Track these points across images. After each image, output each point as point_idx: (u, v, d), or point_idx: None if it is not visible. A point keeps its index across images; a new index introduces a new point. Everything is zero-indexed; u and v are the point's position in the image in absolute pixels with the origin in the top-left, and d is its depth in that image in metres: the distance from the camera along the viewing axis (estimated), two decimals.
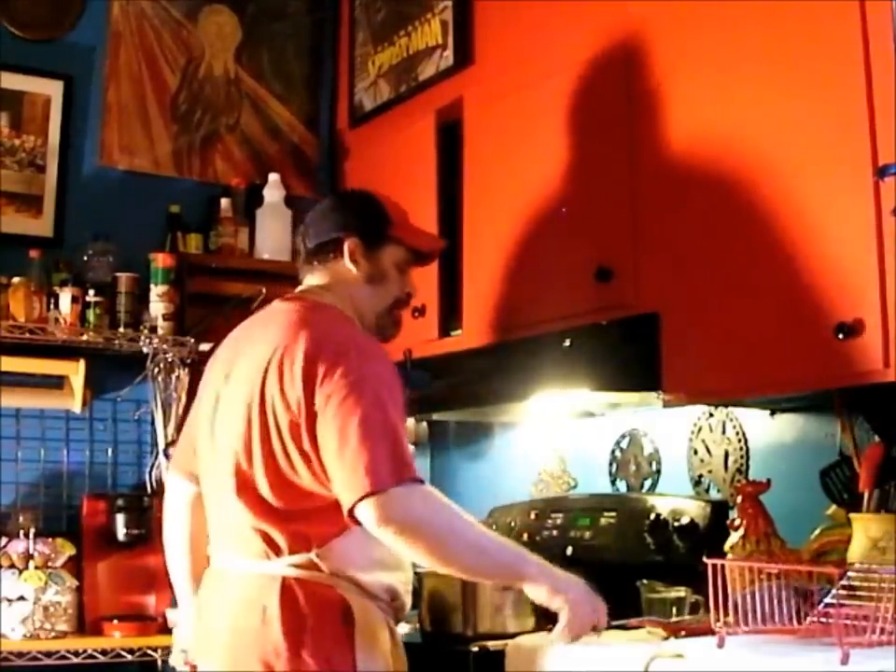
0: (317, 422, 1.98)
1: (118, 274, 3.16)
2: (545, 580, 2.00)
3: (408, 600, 2.15)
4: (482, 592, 2.47)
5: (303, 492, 2.02)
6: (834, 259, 2.08)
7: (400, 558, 2.09)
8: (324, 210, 2.31)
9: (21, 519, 3.04)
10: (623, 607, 2.42)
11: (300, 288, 2.26)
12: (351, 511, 1.93)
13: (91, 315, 3.09)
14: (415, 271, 2.34)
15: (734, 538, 2.24)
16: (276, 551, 2.02)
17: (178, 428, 3.11)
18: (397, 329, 2.28)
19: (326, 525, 2.02)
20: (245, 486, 2.06)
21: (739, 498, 2.27)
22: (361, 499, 1.91)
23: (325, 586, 2.01)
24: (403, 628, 2.50)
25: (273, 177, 3.49)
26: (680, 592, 2.37)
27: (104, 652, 2.94)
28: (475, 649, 2.36)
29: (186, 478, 2.30)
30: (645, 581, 2.46)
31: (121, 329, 3.12)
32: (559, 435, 3.20)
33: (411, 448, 2.15)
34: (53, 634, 2.93)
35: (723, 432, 2.74)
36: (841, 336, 2.01)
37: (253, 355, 2.11)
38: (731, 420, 2.72)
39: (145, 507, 3.12)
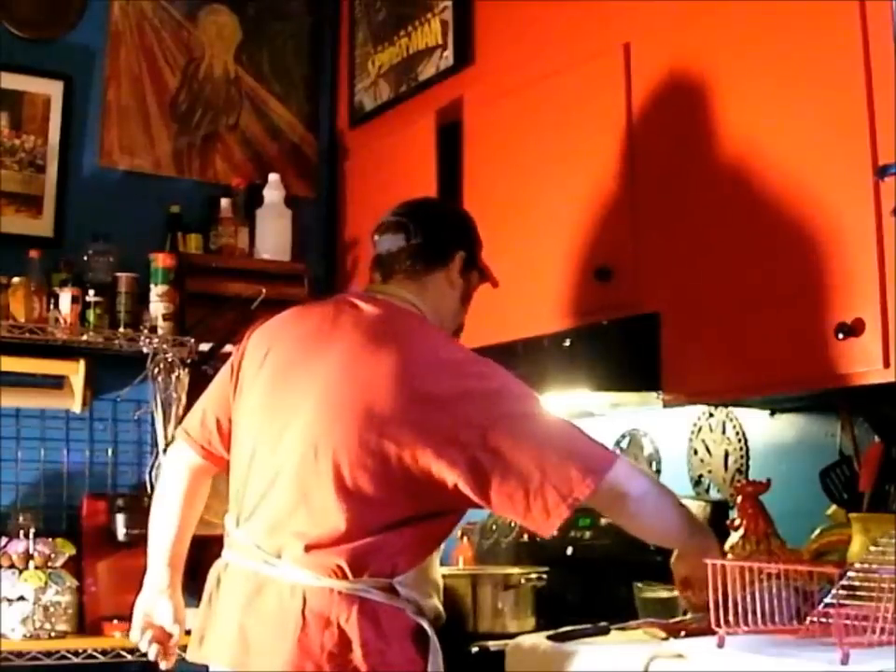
0: (488, 441, 1.85)
1: (118, 274, 3.16)
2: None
3: (439, 613, 2.13)
4: (482, 592, 2.46)
5: (403, 516, 1.92)
6: (834, 259, 2.08)
7: (439, 579, 2.10)
8: (436, 216, 2.24)
9: (21, 519, 3.04)
10: (623, 607, 2.42)
11: (384, 292, 2.13)
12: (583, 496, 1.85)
13: (90, 314, 3.09)
14: None
15: (734, 538, 2.24)
16: (357, 571, 1.92)
17: None
18: None
19: (413, 553, 1.97)
20: (345, 494, 1.91)
21: (739, 498, 2.27)
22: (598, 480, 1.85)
23: (399, 609, 1.96)
24: None
25: (273, 177, 3.49)
26: (674, 591, 2.37)
27: (104, 652, 2.95)
28: (475, 649, 2.36)
29: (196, 450, 2.23)
30: (640, 584, 2.45)
31: (121, 329, 3.12)
32: None
33: None
34: (53, 634, 2.93)
35: (723, 432, 2.74)
36: (841, 336, 2.01)
37: (354, 356, 1.97)
38: (731, 420, 2.72)
39: (145, 507, 3.10)
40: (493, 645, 2.34)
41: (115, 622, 3.01)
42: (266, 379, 2.09)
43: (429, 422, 1.88)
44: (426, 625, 1.99)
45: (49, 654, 2.88)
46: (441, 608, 2.11)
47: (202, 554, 2.32)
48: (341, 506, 1.91)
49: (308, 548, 1.94)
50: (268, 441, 2.03)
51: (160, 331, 3.15)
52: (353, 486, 1.91)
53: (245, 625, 1.97)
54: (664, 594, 2.37)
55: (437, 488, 1.89)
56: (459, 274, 2.17)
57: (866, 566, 1.84)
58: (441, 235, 2.18)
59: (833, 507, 2.26)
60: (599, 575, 2.75)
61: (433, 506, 1.95)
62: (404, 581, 1.97)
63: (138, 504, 3.11)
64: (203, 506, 2.29)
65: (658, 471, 2.92)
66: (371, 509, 1.92)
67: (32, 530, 2.99)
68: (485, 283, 2.30)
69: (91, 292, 3.09)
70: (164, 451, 3.12)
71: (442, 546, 2.14)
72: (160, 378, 3.15)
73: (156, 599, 2.26)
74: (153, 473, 3.17)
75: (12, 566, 2.95)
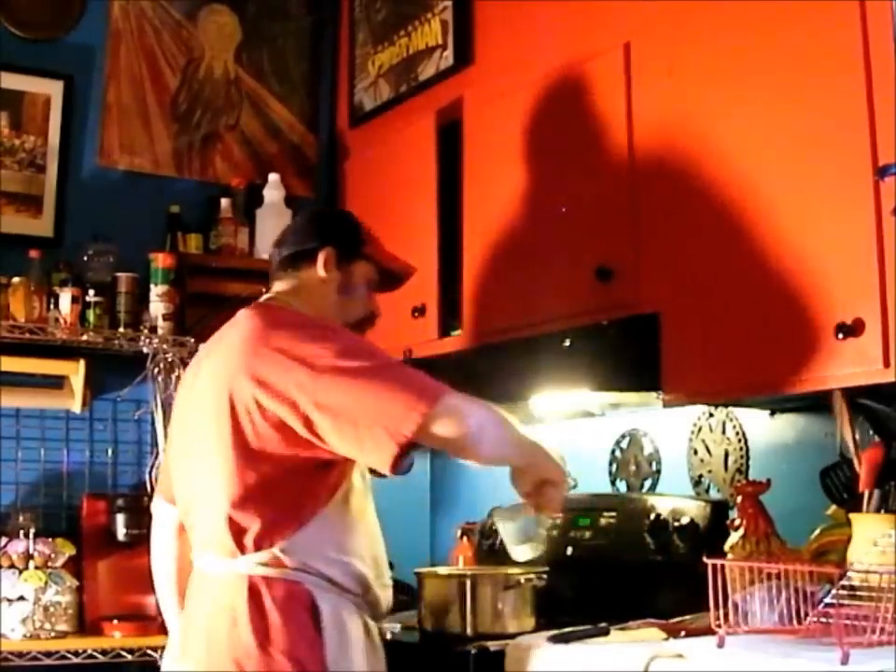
0: (308, 402, 1.99)
1: (118, 274, 3.15)
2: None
3: (383, 595, 2.17)
4: (482, 592, 2.47)
5: (270, 483, 2.05)
6: (834, 259, 2.08)
7: (372, 552, 2.14)
8: (300, 223, 2.40)
9: (21, 519, 3.04)
10: (623, 607, 2.43)
11: (264, 297, 2.30)
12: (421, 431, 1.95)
13: (90, 315, 3.09)
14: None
15: (734, 538, 2.24)
16: (242, 548, 2.06)
17: None
18: None
19: (288, 518, 2.06)
20: (217, 485, 2.09)
21: (739, 498, 2.27)
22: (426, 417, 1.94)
23: (291, 582, 2.04)
24: (395, 627, 2.52)
25: (273, 177, 3.49)
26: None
27: (104, 652, 2.94)
28: (475, 649, 2.36)
29: (169, 502, 2.32)
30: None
31: (121, 329, 3.12)
32: (559, 435, 3.20)
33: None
34: (53, 634, 2.93)
35: (723, 432, 2.74)
36: (841, 336, 2.01)
37: (216, 360, 2.15)
38: (731, 420, 2.72)
39: (145, 507, 3.10)
40: (493, 645, 2.34)
41: (115, 622, 3.01)
42: (176, 413, 2.31)
43: (269, 381, 2.02)
44: (317, 596, 2.04)
45: (48, 654, 2.88)
46: (369, 578, 2.12)
47: None
48: (221, 493, 2.07)
49: (214, 537, 2.10)
50: (183, 467, 2.23)
51: (160, 331, 3.15)
52: (226, 467, 2.06)
53: (187, 625, 2.16)
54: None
55: (287, 443, 2.02)
56: (333, 268, 2.27)
57: (866, 566, 1.84)
58: (303, 238, 2.31)
59: (833, 507, 2.26)
60: (599, 575, 2.75)
61: (292, 463, 2.05)
62: (291, 549, 2.04)
63: (138, 504, 3.11)
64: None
65: (658, 471, 2.92)
66: (242, 482, 2.05)
67: (32, 530, 2.99)
68: (388, 269, 2.34)
69: (91, 292, 3.09)
70: (164, 451, 3.12)
71: (364, 515, 2.18)
72: (160, 378, 3.15)
73: None
74: (153, 473, 3.17)
75: (12, 566, 2.94)
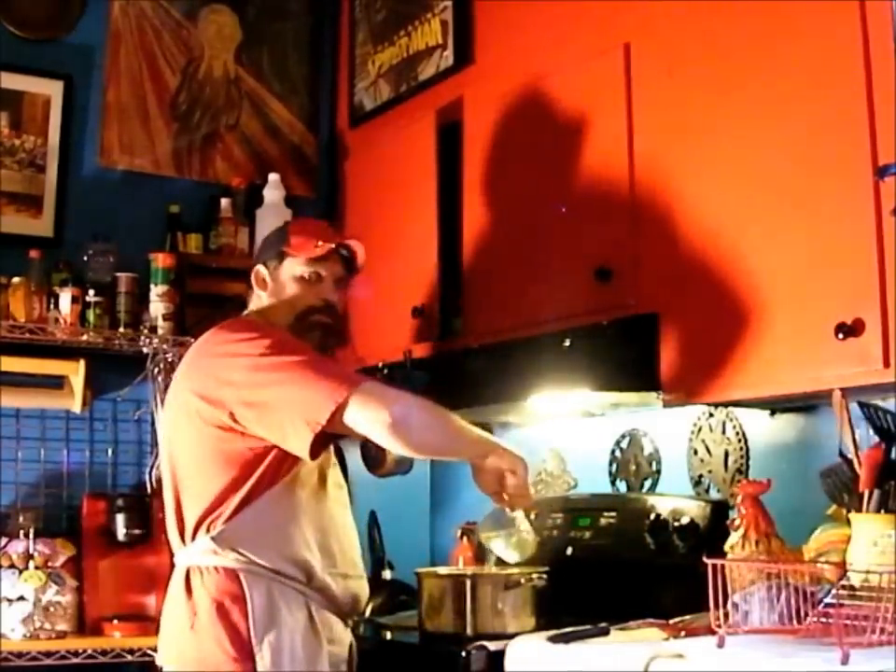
0: (234, 395, 2.17)
1: (118, 274, 3.15)
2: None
3: (338, 584, 2.25)
4: (482, 592, 2.47)
5: (205, 475, 2.21)
6: (834, 258, 2.08)
7: (324, 540, 2.23)
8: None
9: (21, 519, 3.04)
10: (623, 607, 2.42)
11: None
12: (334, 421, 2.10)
13: (91, 315, 3.09)
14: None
15: (734, 538, 2.24)
16: (184, 538, 2.23)
17: None
18: (315, 333, 2.41)
19: (224, 508, 2.18)
20: (170, 485, 2.28)
21: (739, 498, 2.27)
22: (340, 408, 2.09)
23: (224, 569, 2.17)
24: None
25: (273, 177, 3.48)
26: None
27: (104, 652, 2.94)
28: (475, 649, 2.35)
29: None
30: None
31: (121, 329, 3.12)
32: (559, 435, 3.20)
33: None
34: (53, 634, 2.93)
35: (723, 432, 2.74)
36: (841, 336, 2.01)
37: (177, 376, 2.37)
38: (731, 420, 2.72)
39: (145, 507, 3.12)
40: (493, 645, 2.34)
41: (115, 622, 3.01)
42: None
43: (204, 381, 2.23)
44: (247, 582, 2.15)
45: (48, 654, 2.88)
46: (313, 566, 2.21)
47: None
48: (173, 486, 2.27)
49: (171, 533, 2.29)
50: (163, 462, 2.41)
51: (160, 331, 3.15)
52: (176, 465, 2.27)
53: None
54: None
55: (220, 436, 2.20)
56: (268, 280, 2.45)
57: (866, 566, 1.84)
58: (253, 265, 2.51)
59: (833, 507, 2.26)
60: (599, 575, 2.75)
61: (226, 455, 2.20)
62: (222, 537, 2.17)
63: (138, 504, 3.12)
64: None
65: (658, 471, 2.92)
66: (186, 476, 2.25)
67: (32, 530, 2.99)
68: (306, 256, 2.42)
69: (91, 292, 3.09)
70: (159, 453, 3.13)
71: (327, 509, 2.29)
72: (160, 378, 3.15)
73: None
74: (153, 473, 3.17)
75: (12, 566, 2.95)
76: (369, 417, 2.10)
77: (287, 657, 2.13)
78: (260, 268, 2.45)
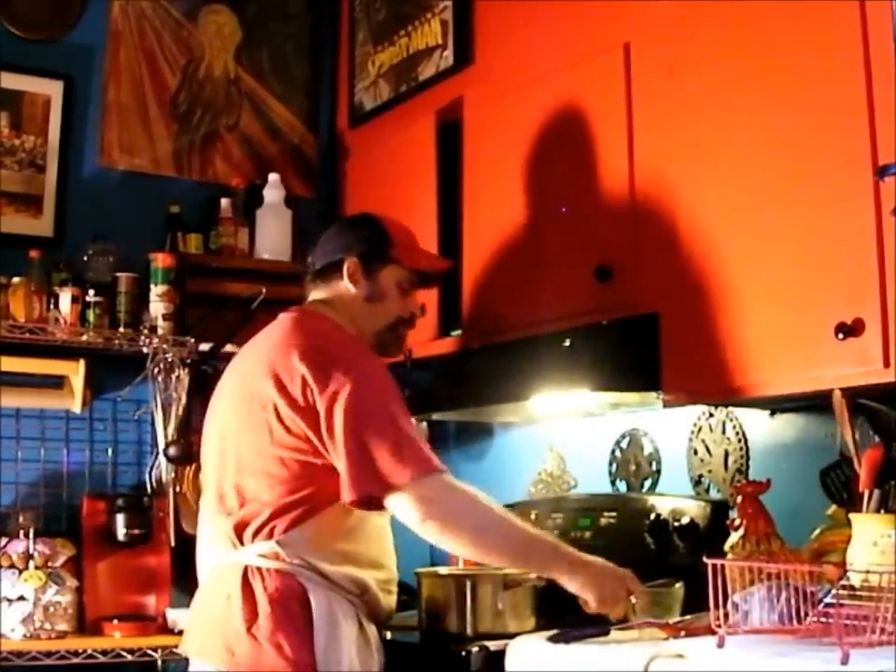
0: (322, 419, 2.11)
1: (118, 274, 3.15)
2: (559, 569, 2.15)
3: (385, 598, 2.25)
4: (482, 592, 2.46)
5: (286, 483, 2.15)
6: (834, 258, 2.08)
7: (378, 555, 2.22)
8: (330, 233, 2.46)
9: (21, 519, 3.04)
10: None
11: (306, 303, 2.40)
12: (373, 502, 2.09)
13: (91, 315, 3.09)
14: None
15: (734, 538, 2.24)
16: (242, 540, 2.17)
17: (178, 428, 3.11)
18: (398, 346, 2.42)
19: (290, 515, 2.14)
20: (224, 479, 2.22)
21: (739, 498, 2.27)
22: (389, 492, 2.07)
23: (285, 574, 2.13)
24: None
25: (273, 177, 3.48)
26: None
27: (104, 652, 2.94)
28: (475, 649, 2.35)
29: None
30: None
31: (121, 329, 3.12)
32: (559, 435, 3.20)
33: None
34: (53, 634, 2.93)
35: (723, 432, 2.74)
36: (841, 336, 2.01)
37: (248, 362, 2.28)
38: (731, 420, 2.72)
39: (145, 507, 3.12)
40: (493, 645, 2.34)
41: (115, 622, 3.01)
42: (209, 411, 2.40)
43: (289, 388, 2.14)
44: (310, 590, 2.12)
45: (49, 654, 2.87)
46: (369, 581, 2.20)
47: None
48: (234, 484, 2.20)
49: (218, 531, 2.23)
50: (205, 460, 2.36)
51: (160, 331, 3.14)
52: (240, 464, 2.20)
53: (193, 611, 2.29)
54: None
55: (297, 446, 2.14)
56: (361, 277, 2.35)
57: (866, 566, 1.84)
58: (331, 250, 2.40)
59: (833, 507, 2.26)
60: None
61: (299, 464, 2.15)
62: (288, 543, 2.13)
63: (138, 504, 3.12)
64: None
65: (658, 471, 2.92)
66: (255, 480, 2.17)
67: (32, 530, 2.99)
68: (416, 269, 2.40)
69: (91, 292, 3.09)
70: (164, 451, 3.12)
71: (379, 523, 2.27)
72: (160, 378, 3.15)
73: None
74: (153, 473, 3.17)
75: (12, 566, 2.94)
76: (411, 518, 2.10)
77: (346, 666, 2.11)
78: (356, 260, 2.35)
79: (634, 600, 2.19)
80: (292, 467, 2.15)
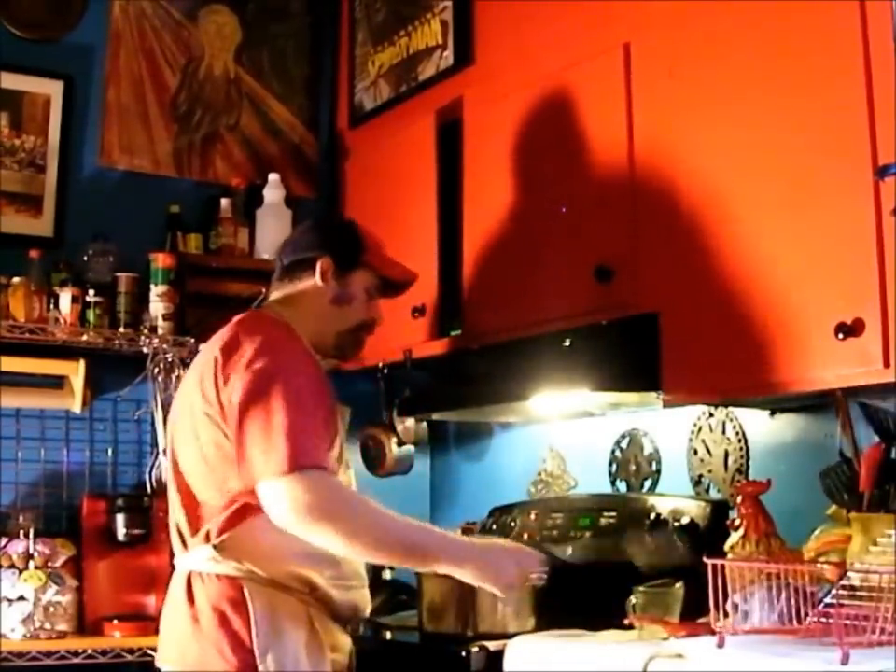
0: (229, 412, 2.11)
1: (118, 274, 3.15)
2: (448, 562, 2.11)
3: (341, 594, 2.20)
4: (481, 592, 2.46)
5: (216, 485, 2.15)
6: (834, 259, 2.08)
7: (324, 551, 2.15)
8: (302, 230, 2.46)
9: (21, 519, 3.04)
10: (623, 607, 2.42)
11: (263, 305, 2.36)
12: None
13: (91, 314, 3.09)
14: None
15: (734, 538, 2.24)
16: (185, 545, 2.19)
17: None
18: (356, 350, 2.39)
19: (223, 517, 2.13)
20: (174, 485, 2.24)
21: (739, 498, 2.27)
22: (263, 483, 2.05)
23: (226, 577, 2.14)
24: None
25: (273, 177, 3.48)
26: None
27: (104, 652, 2.94)
28: (475, 649, 2.36)
29: None
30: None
31: (121, 329, 3.12)
32: (559, 435, 3.20)
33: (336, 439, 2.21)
34: (53, 634, 2.93)
35: (723, 432, 2.74)
36: (841, 336, 2.01)
37: (195, 367, 2.28)
38: (731, 420, 2.72)
39: (145, 507, 3.12)
40: (493, 645, 2.34)
41: (115, 622, 3.01)
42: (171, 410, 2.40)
43: (216, 392, 2.15)
44: (249, 591, 2.11)
45: (48, 654, 2.87)
46: (316, 578, 2.16)
47: None
48: (177, 488, 2.22)
49: (175, 536, 2.24)
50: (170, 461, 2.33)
51: (160, 331, 3.14)
52: (183, 469, 2.21)
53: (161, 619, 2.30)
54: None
55: (226, 462, 2.13)
56: (332, 277, 2.32)
57: (866, 566, 1.84)
58: (303, 247, 2.37)
59: (833, 507, 2.26)
60: (599, 575, 2.75)
61: (230, 465, 2.13)
62: (225, 545, 2.13)
63: (138, 504, 3.12)
64: None
65: (658, 471, 2.92)
66: (193, 484, 2.18)
67: (32, 530, 2.98)
68: (387, 277, 2.38)
69: (91, 292, 3.09)
70: (164, 451, 3.12)
71: None
72: (160, 378, 3.15)
73: None
74: (153, 473, 3.17)
75: (12, 566, 2.94)
76: (278, 509, 2.05)
77: (291, 667, 2.10)
78: (329, 260, 2.32)
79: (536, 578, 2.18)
80: (218, 468, 2.14)
